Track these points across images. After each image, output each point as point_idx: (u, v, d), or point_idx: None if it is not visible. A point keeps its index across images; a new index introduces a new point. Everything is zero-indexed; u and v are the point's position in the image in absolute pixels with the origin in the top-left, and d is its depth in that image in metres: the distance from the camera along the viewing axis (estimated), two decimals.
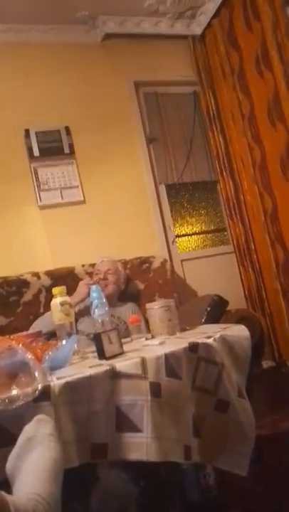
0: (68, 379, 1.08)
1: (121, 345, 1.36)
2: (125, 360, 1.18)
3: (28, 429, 0.92)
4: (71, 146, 2.96)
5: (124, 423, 1.11)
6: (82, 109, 3.08)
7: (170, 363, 1.20)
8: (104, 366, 1.15)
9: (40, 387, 1.02)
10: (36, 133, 2.88)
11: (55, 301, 1.59)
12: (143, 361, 1.17)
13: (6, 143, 2.86)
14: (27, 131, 2.87)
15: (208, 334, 1.36)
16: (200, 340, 1.29)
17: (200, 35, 3.36)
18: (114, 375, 1.13)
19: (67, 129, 2.96)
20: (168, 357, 1.21)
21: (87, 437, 1.08)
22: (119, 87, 3.22)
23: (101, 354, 1.31)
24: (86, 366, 1.21)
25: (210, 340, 1.29)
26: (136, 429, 1.10)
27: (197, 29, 3.34)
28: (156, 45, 3.32)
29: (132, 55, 3.27)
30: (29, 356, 1.09)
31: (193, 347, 1.27)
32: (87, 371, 1.12)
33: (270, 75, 2.74)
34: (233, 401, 1.27)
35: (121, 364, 1.16)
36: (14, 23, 2.94)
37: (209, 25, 3.25)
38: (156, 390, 1.15)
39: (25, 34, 3.02)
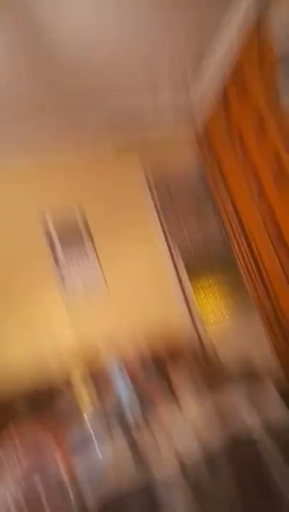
0: (104, 492, 1.01)
1: (157, 448, 1.29)
2: (163, 467, 1.11)
3: None
4: (88, 228, 3.08)
5: None
6: (96, 194, 3.23)
7: (211, 461, 1.13)
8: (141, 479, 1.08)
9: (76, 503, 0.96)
10: (53, 219, 3.02)
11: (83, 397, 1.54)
12: (181, 461, 1.10)
13: (26, 232, 2.99)
14: (44, 220, 3.01)
15: (248, 424, 1.28)
16: (241, 432, 1.21)
17: (203, 122, 3.51)
18: (151, 483, 1.06)
19: (82, 211, 3.10)
20: (207, 454, 1.13)
21: None
22: (131, 172, 3.40)
23: (138, 463, 1.24)
24: (125, 474, 1.14)
25: (252, 432, 1.21)
26: None
27: (199, 118, 3.51)
28: (163, 134, 3.51)
29: (141, 144, 3.45)
30: (62, 466, 1.04)
31: (234, 441, 1.19)
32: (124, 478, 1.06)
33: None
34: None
35: (158, 472, 1.09)
36: (32, 122, 3.09)
37: (210, 114, 3.41)
38: (197, 491, 1.06)
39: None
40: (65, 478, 1.01)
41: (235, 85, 3.05)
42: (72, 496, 0.96)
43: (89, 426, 1.53)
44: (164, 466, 1.10)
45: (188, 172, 3.58)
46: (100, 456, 1.25)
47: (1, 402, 2.32)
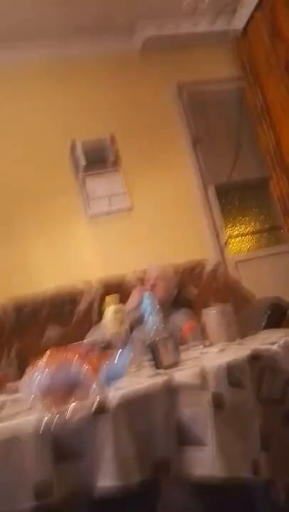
0: (125, 390, 1.04)
1: (178, 353, 1.30)
2: (184, 370, 1.13)
3: None
4: (117, 154, 2.97)
5: (187, 436, 1.05)
6: (127, 116, 3.10)
7: (232, 372, 1.13)
8: (161, 376, 1.10)
9: (97, 399, 0.99)
10: (82, 143, 2.92)
11: (109, 309, 1.57)
12: (203, 370, 1.11)
13: (54, 155, 2.93)
14: (73, 143, 2.91)
15: (271, 340, 1.27)
16: (263, 347, 1.21)
17: (242, 30, 3.26)
18: (172, 385, 1.08)
19: (112, 137, 2.98)
20: (229, 365, 1.13)
21: (148, 452, 1.03)
22: (162, 90, 3.22)
23: (158, 363, 1.26)
24: (143, 376, 1.17)
25: (274, 347, 1.21)
26: (200, 443, 1.04)
27: (238, 24, 3.25)
28: (198, 45, 3.28)
29: (173, 57, 3.25)
30: (85, 368, 1.06)
31: (256, 354, 1.18)
32: (145, 382, 1.08)
33: None
34: None
35: (179, 374, 1.10)
36: (56, 39, 3.01)
37: (251, 18, 3.15)
38: (218, 401, 1.08)
39: (67, 49, 3.07)
40: (87, 374, 1.04)
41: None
42: (94, 388, 0.99)
43: (110, 336, 1.56)
44: (185, 374, 1.11)
45: (226, 94, 3.35)
46: (120, 362, 1.27)
47: (29, 323, 2.41)
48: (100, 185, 2.93)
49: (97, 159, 2.93)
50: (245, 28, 3.25)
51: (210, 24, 3.23)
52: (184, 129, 3.20)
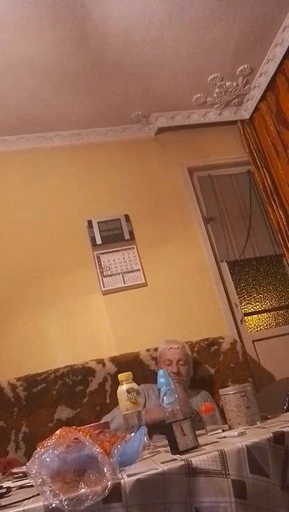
0: (140, 476, 0.96)
1: (195, 437, 1.22)
2: (202, 455, 1.05)
3: None
4: (131, 232, 3.07)
5: None
6: (141, 198, 3.24)
7: (254, 457, 1.05)
8: (178, 461, 1.03)
9: (110, 485, 0.92)
10: (98, 223, 3.04)
11: (122, 389, 1.51)
12: (222, 455, 1.03)
13: (71, 234, 3.03)
14: (90, 222, 3.04)
15: None
16: (285, 430, 1.13)
17: (249, 119, 3.51)
18: (190, 471, 1.00)
19: (126, 216, 3.10)
20: (251, 450, 1.05)
21: None
22: (174, 174, 3.38)
23: (174, 448, 1.18)
24: (158, 461, 1.09)
25: None
26: None
27: (245, 114, 3.51)
28: (207, 132, 3.52)
29: (184, 144, 3.47)
30: (97, 450, 1.00)
31: (279, 437, 1.10)
32: (160, 467, 1.00)
33: None
34: None
35: (197, 459, 1.02)
36: (77, 129, 3.29)
37: (257, 108, 3.40)
38: (240, 489, 0.99)
39: (86, 137, 3.35)
40: (100, 457, 0.97)
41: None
42: (106, 473, 0.92)
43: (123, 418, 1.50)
44: (203, 459, 1.03)
45: (236, 176, 3.51)
46: (134, 445, 1.20)
47: (38, 404, 2.33)
48: (114, 262, 2.99)
49: (113, 238, 3.03)
50: (251, 117, 3.50)
51: (218, 115, 3.49)
52: (196, 208, 3.31)
